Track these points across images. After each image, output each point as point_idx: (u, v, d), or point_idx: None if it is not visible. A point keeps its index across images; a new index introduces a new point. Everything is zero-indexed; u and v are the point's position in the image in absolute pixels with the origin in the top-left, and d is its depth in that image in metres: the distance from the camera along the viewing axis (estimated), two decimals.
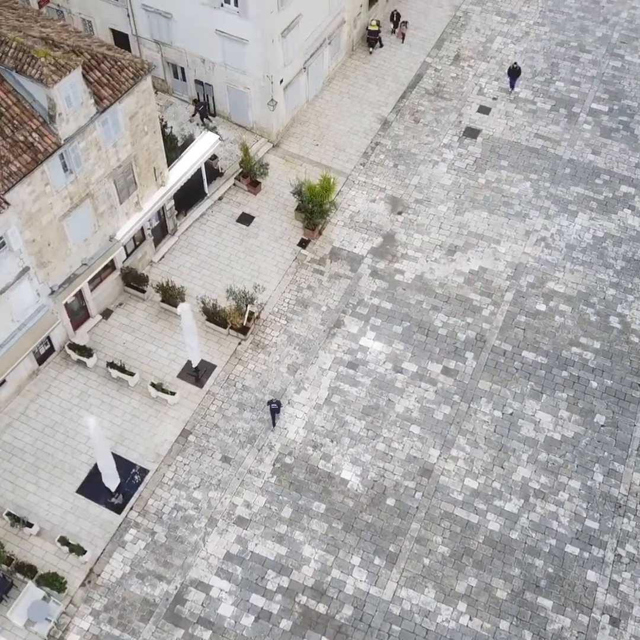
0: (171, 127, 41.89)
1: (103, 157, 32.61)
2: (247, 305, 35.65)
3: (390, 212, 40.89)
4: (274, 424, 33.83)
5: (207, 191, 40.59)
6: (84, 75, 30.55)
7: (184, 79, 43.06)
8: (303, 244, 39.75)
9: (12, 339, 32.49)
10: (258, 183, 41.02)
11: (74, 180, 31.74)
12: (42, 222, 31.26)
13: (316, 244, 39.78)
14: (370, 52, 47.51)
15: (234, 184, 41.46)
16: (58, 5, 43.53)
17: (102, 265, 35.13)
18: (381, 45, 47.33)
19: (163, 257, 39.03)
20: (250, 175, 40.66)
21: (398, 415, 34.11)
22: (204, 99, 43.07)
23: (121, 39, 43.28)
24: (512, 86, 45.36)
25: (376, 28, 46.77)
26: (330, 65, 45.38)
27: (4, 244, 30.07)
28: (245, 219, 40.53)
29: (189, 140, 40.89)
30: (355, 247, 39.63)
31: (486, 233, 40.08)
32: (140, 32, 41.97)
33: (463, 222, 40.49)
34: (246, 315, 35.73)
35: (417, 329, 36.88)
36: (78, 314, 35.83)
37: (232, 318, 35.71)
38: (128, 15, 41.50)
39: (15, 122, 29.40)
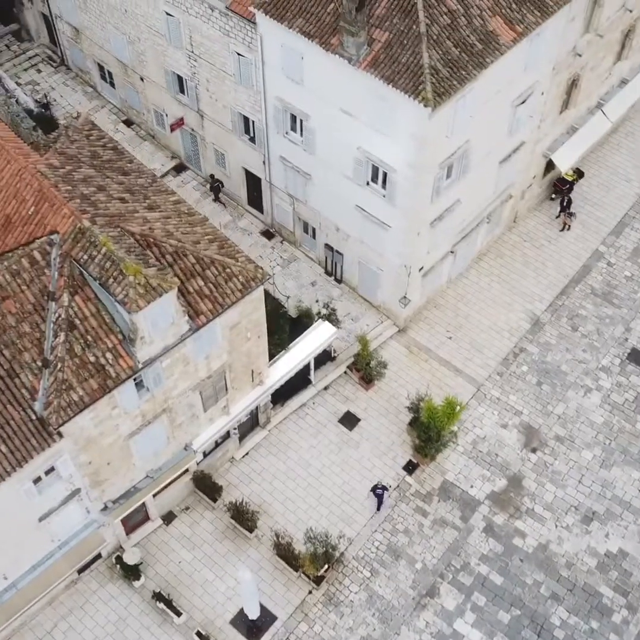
0: (288, 298, 36.57)
1: (190, 371, 27.52)
2: (326, 562, 29.88)
3: (522, 446, 34.03)
4: (377, 509, 32.09)
5: (312, 378, 34.99)
6: (181, 288, 25.57)
7: (314, 237, 37.65)
8: (410, 467, 33.47)
9: (48, 559, 27.84)
10: (372, 380, 35.14)
11: (149, 398, 26.79)
12: (102, 444, 26.43)
13: (425, 471, 33.41)
14: (552, 198, 41.09)
15: (345, 372, 35.72)
16: (192, 130, 39.05)
17: (171, 478, 30.10)
18: (569, 206, 40.33)
19: (247, 453, 33.69)
20: (365, 373, 34.81)
21: None
22: (332, 266, 37.53)
23: (253, 181, 38.33)
24: None
25: (572, 177, 40.25)
26: (483, 241, 38.95)
27: (52, 470, 25.43)
28: (350, 420, 34.64)
29: (304, 313, 35.47)
30: (472, 486, 33.02)
31: (636, 502, 32.63)
32: (275, 181, 36.84)
33: (609, 479, 33.16)
34: (323, 570, 29.92)
35: (528, 623, 29.88)
36: (135, 517, 30.94)
37: (306, 566, 29.96)
38: (263, 162, 36.46)
39: (89, 337, 24.56)
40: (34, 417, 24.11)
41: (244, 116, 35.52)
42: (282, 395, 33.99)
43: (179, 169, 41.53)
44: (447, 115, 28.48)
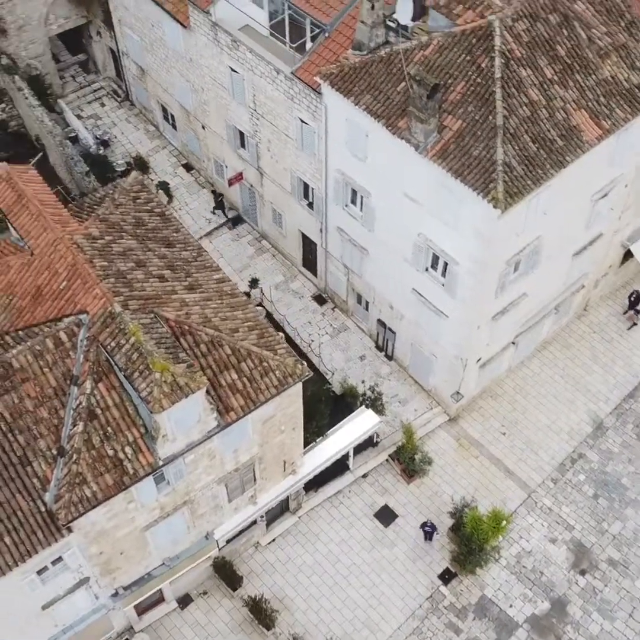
0: (331, 373, 34.58)
1: (216, 464, 25.70)
2: None
3: (571, 566, 31.20)
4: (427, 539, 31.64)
5: (351, 464, 32.84)
6: (212, 380, 23.80)
7: (367, 310, 35.58)
8: (446, 576, 31.00)
9: None
10: (415, 474, 32.85)
11: (170, 492, 25.05)
12: (116, 535, 24.75)
13: (463, 583, 30.88)
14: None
15: (387, 460, 33.49)
16: (251, 186, 37.41)
17: (189, 567, 28.32)
18: (637, 303, 37.13)
19: (274, 540, 31.71)
20: (407, 466, 32.52)
21: None
22: (384, 342, 35.36)
23: (309, 243, 36.48)
24: None
25: None
26: (550, 330, 36.33)
27: (59, 559, 23.84)
28: (386, 515, 32.33)
29: (349, 392, 33.41)
30: (511, 605, 30.35)
31: None
32: (331, 249, 34.92)
33: None
34: None
35: None
36: (148, 599, 29.21)
37: None
38: (320, 230, 34.58)
39: (109, 429, 22.91)
40: (42, 509, 22.51)
41: (303, 181, 33.74)
42: (316, 480, 31.93)
43: (236, 221, 39.93)
44: (518, 213, 26.14)
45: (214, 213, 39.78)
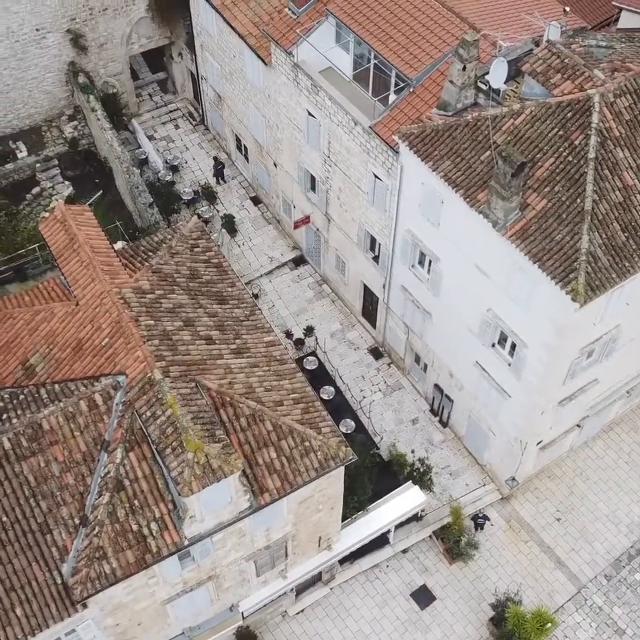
0: (381, 437, 32.85)
1: (246, 542, 24.26)
2: None
3: None
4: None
5: (391, 538, 31.05)
6: (249, 458, 22.33)
7: (424, 371, 33.71)
8: None
9: None
10: (458, 556, 30.90)
11: (194, 568, 23.71)
12: (134, 608, 23.52)
13: None
14: None
15: (430, 537, 31.60)
16: (317, 229, 35.88)
17: (211, 639, 26.98)
18: None
19: (303, 610, 30.19)
20: (451, 548, 30.59)
21: None
22: (439, 407, 33.44)
23: (369, 296, 34.77)
24: None
25: None
26: (618, 411, 33.90)
27: (72, 631, 22.71)
28: (423, 596, 30.45)
29: (397, 459, 31.64)
30: None
31: None
32: (392, 305, 33.17)
33: None
34: None
35: None
36: None
37: None
38: (383, 286, 32.87)
39: (136, 502, 21.61)
40: (58, 581, 21.36)
41: (371, 235, 32.07)
42: (352, 551, 30.29)
43: (298, 261, 38.48)
44: (598, 304, 24.02)
45: (218, 182, 40.43)
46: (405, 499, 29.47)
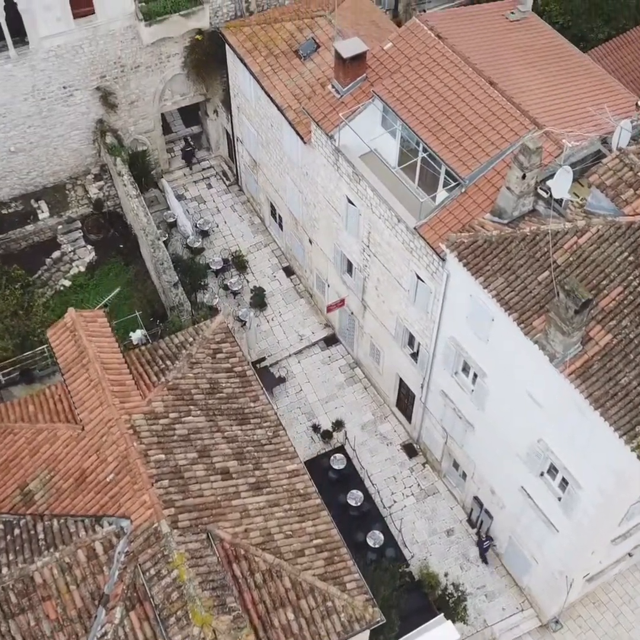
0: (412, 555, 30.18)
1: None
2: None
3: None
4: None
5: None
6: (264, 620, 19.78)
7: (463, 478, 30.91)
8: None
9: None
10: None
11: None
12: None
13: None
14: None
15: None
16: (352, 313, 33.35)
17: None
18: None
19: None
20: None
21: None
22: (476, 521, 30.65)
23: (405, 389, 32.08)
24: None
25: None
26: None
27: None
28: None
29: (428, 580, 28.93)
30: None
31: None
32: (431, 407, 30.46)
33: None
34: None
35: None
36: None
37: None
38: (422, 386, 30.21)
39: None
40: None
41: (410, 332, 29.50)
42: None
43: (330, 341, 35.92)
44: None
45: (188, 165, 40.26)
46: (436, 635, 26.72)
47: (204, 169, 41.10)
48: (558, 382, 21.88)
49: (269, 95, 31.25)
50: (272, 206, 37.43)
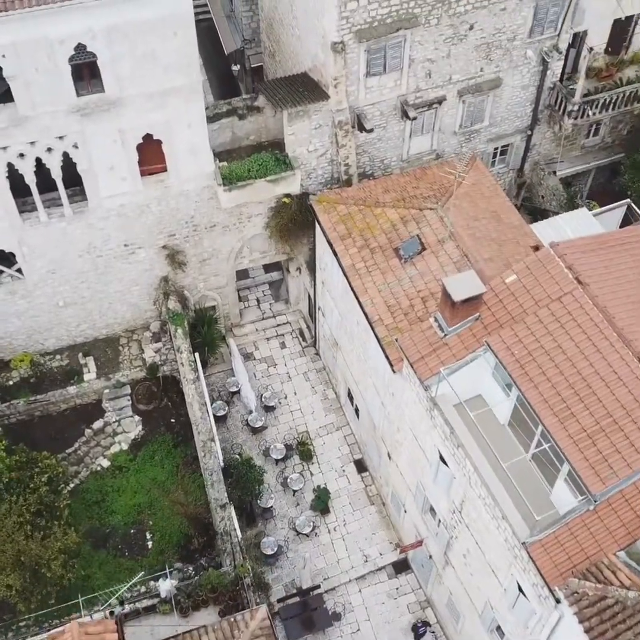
0: None
1: None
2: None
3: None
4: None
5: None
6: None
7: None
8: None
9: None
10: None
11: None
12: None
13: None
14: None
15: None
16: (431, 556, 27.61)
17: None
18: None
19: None
20: None
21: None
22: None
23: None
24: None
25: None
26: None
27: None
28: None
29: None
30: None
31: None
32: None
33: None
34: None
35: None
36: None
37: None
38: None
39: None
40: None
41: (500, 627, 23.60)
42: None
43: (400, 568, 29.85)
44: None
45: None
46: None
47: (279, 325, 36.08)
48: None
49: (358, 299, 26.01)
50: (349, 391, 32.15)
